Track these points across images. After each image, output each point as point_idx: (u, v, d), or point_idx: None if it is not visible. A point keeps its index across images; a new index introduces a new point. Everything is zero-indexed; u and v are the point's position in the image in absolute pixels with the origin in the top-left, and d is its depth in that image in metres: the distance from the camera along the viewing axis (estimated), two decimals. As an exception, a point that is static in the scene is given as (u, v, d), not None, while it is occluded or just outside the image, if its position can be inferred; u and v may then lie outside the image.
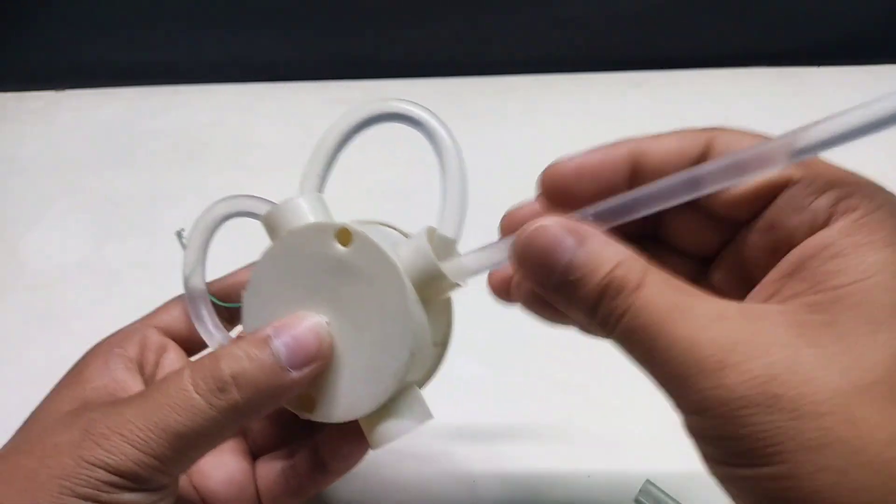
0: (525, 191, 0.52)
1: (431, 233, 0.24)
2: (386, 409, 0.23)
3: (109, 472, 0.20)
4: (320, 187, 0.26)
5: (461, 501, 0.33)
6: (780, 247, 0.20)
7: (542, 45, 0.60)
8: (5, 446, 0.24)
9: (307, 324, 0.23)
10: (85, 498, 0.20)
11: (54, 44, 0.61)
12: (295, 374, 0.22)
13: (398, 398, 0.24)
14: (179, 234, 0.28)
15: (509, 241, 0.21)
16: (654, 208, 0.20)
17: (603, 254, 0.19)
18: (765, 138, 0.20)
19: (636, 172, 0.21)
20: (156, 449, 0.21)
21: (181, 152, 0.54)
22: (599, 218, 0.21)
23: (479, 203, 0.48)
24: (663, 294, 0.18)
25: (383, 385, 0.23)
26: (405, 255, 0.23)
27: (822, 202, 0.19)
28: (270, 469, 0.28)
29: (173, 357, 0.28)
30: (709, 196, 0.20)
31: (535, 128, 0.54)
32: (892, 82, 0.57)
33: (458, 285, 0.24)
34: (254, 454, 0.29)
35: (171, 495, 0.23)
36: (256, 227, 0.26)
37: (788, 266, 0.19)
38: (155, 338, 0.28)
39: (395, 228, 0.27)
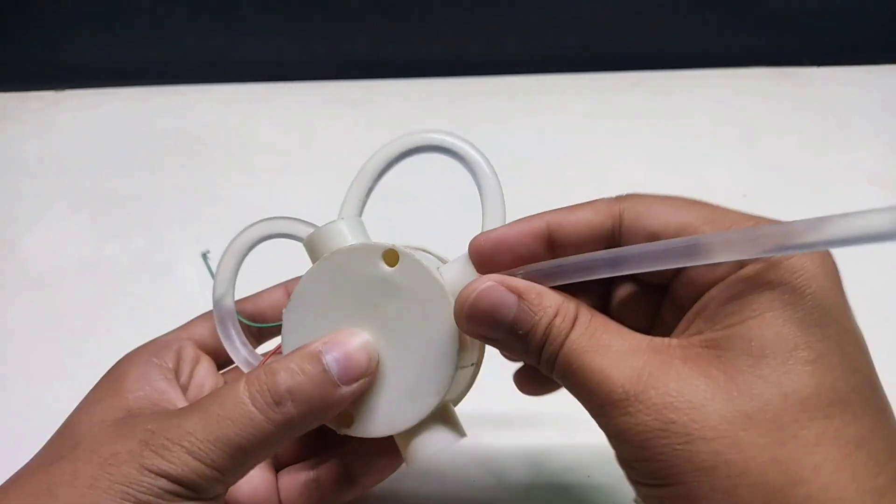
0: (525, 191, 0.52)
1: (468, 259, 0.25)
2: (422, 426, 0.24)
3: (171, 480, 0.21)
4: (360, 212, 0.27)
5: (461, 501, 0.33)
6: (699, 296, 0.22)
7: (542, 45, 0.60)
8: (47, 449, 0.24)
9: (357, 340, 0.24)
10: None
11: (54, 44, 0.61)
12: (345, 390, 0.23)
13: (435, 415, 0.24)
14: (205, 256, 0.29)
15: (531, 267, 0.23)
16: (578, 278, 0.22)
17: (542, 304, 0.22)
18: (677, 200, 0.23)
19: (553, 244, 0.23)
20: (215, 460, 0.22)
21: (181, 152, 0.54)
22: (527, 278, 0.23)
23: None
24: (587, 334, 0.21)
25: (426, 402, 0.24)
26: (448, 277, 0.24)
27: None
28: (294, 481, 0.28)
29: (205, 370, 0.28)
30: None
31: (535, 128, 0.54)
32: (892, 82, 0.57)
33: None
34: (276, 466, 0.29)
35: (222, 502, 0.23)
36: (281, 246, 0.27)
37: (697, 308, 0.21)
38: (190, 350, 0.28)
39: (433, 254, 0.28)
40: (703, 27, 0.59)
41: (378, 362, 0.24)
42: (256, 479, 0.28)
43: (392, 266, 0.24)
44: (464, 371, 0.25)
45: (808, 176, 0.49)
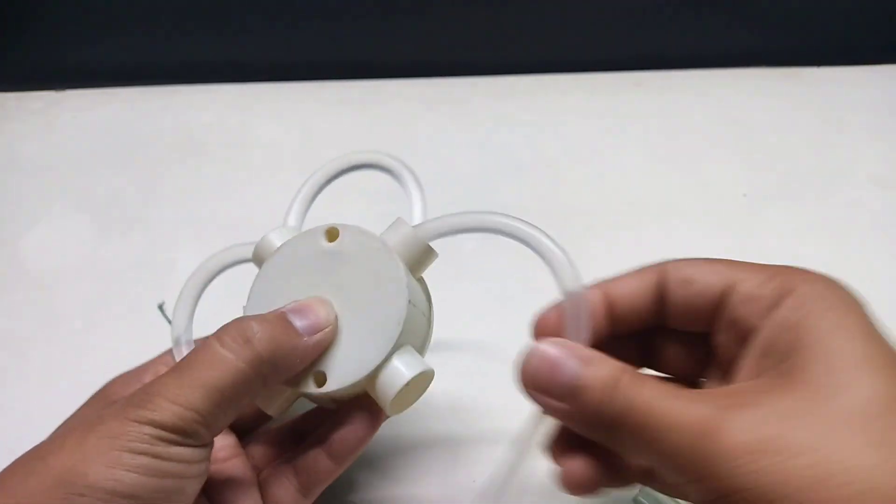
0: (524, 190, 0.52)
1: (402, 221, 0.28)
2: (389, 367, 0.26)
3: (156, 426, 0.22)
4: (301, 224, 0.32)
5: (460, 500, 0.33)
6: (745, 336, 0.23)
7: (542, 45, 0.60)
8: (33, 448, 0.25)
9: (314, 300, 0.26)
10: (138, 452, 0.22)
11: (54, 44, 0.61)
12: (308, 340, 0.25)
13: (399, 353, 0.26)
14: (161, 307, 0.31)
15: (472, 214, 0.26)
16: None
17: (605, 363, 0.22)
18: (711, 261, 0.25)
19: (612, 313, 0.26)
20: (193, 402, 0.23)
21: (181, 152, 0.54)
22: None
23: (480, 203, 0.48)
24: (652, 388, 0.21)
25: (388, 335, 0.26)
26: (387, 236, 0.27)
27: (766, 290, 0.23)
28: (276, 482, 0.28)
29: None
30: (675, 321, 0.25)
31: (536, 128, 0.54)
32: (892, 82, 0.57)
33: (435, 255, 0.28)
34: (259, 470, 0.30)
35: (208, 459, 0.24)
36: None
37: (757, 349, 0.22)
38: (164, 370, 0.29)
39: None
40: (703, 27, 0.59)
41: (336, 317, 0.26)
42: (240, 492, 0.28)
43: (334, 240, 0.27)
44: (415, 311, 0.27)
45: (808, 176, 0.49)
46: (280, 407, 0.28)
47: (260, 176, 0.52)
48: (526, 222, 0.26)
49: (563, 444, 0.25)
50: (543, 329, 0.26)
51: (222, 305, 0.31)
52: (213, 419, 0.23)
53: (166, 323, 0.31)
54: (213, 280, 0.31)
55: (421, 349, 0.28)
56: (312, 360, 0.26)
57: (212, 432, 0.24)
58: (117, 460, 0.21)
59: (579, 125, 0.54)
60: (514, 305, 0.42)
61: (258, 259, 0.29)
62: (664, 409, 0.20)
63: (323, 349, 0.26)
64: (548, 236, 0.26)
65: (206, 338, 0.24)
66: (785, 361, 0.21)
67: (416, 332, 0.28)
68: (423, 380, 0.27)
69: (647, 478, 0.26)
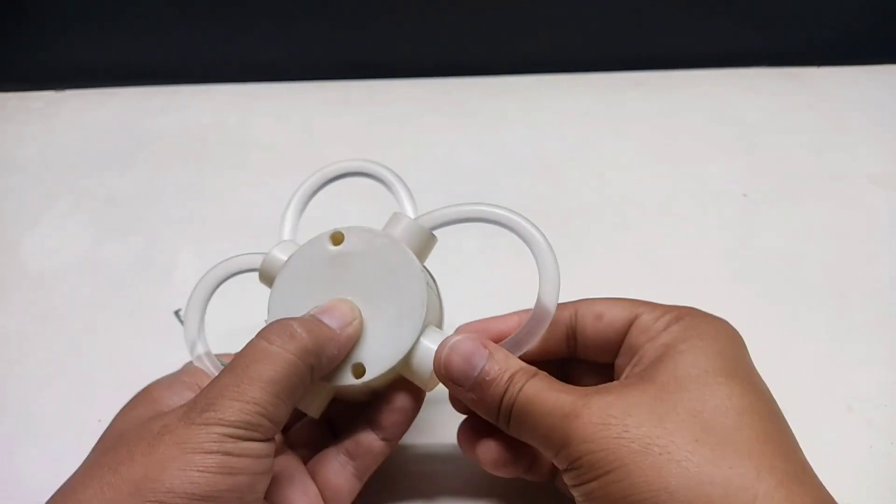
0: (524, 190, 0.52)
1: (401, 215, 0.30)
2: (419, 347, 0.27)
3: (223, 424, 0.23)
4: (294, 234, 0.32)
5: (461, 500, 0.33)
6: (633, 356, 0.27)
7: (542, 45, 0.60)
8: (94, 452, 0.25)
9: (336, 301, 0.28)
10: (209, 452, 0.22)
11: (54, 44, 0.61)
12: (342, 333, 0.27)
13: (425, 335, 0.28)
14: (178, 314, 0.31)
15: (471, 205, 0.29)
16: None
17: (506, 363, 0.27)
18: (619, 300, 0.29)
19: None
20: (255, 396, 0.23)
21: (181, 152, 0.54)
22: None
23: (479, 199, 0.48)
24: (542, 381, 0.26)
25: (415, 317, 0.27)
26: (390, 229, 0.29)
27: (661, 322, 0.27)
28: (330, 468, 0.29)
29: None
30: (585, 352, 0.30)
31: (535, 128, 0.54)
32: (892, 82, 0.57)
33: (436, 240, 0.30)
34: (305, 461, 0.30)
35: (273, 454, 0.25)
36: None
37: (633, 362, 0.27)
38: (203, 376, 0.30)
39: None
40: (703, 27, 0.59)
41: (360, 311, 0.28)
42: (297, 483, 0.29)
43: (340, 243, 0.29)
44: (431, 293, 0.29)
45: (808, 176, 0.49)
46: (320, 407, 0.29)
47: (260, 176, 0.52)
48: (525, 219, 0.28)
49: (473, 432, 0.29)
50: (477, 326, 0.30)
51: (229, 322, 0.32)
52: (274, 411, 0.24)
53: (176, 325, 0.32)
54: (220, 286, 0.31)
55: (440, 326, 0.30)
56: (346, 351, 0.27)
57: (275, 425, 0.24)
58: (190, 463, 0.22)
59: (579, 125, 0.54)
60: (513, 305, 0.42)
61: (266, 277, 0.30)
62: (542, 398, 0.25)
63: (354, 341, 0.27)
64: (545, 239, 0.28)
65: (251, 340, 0.25)
66: (646, 368, 0.26)
67: (434, 312, 0.29)
68: None
69: (552, 475, 0.30)
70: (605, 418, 0.23)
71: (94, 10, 0.58)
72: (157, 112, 0.58)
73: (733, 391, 0.24)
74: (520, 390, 0.26)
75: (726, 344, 0.26)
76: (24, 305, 0.44)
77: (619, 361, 0.28)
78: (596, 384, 0.28)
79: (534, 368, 0.27)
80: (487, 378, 0.26)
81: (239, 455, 0.23)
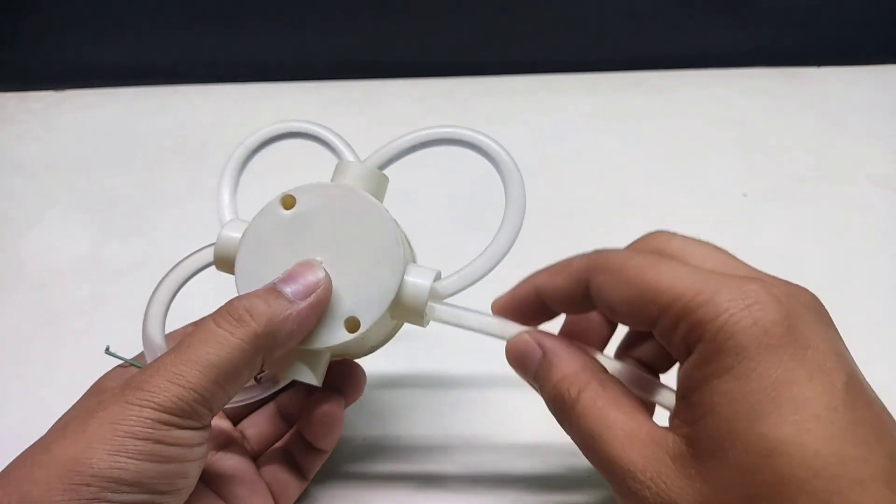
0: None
1: (346, 162, 0.29)
2: (410, 286, 0.26)
3: (156, 409, 0.22)
4: (235, 212, 0.31)
5: (461, 500, 0.33)
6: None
7: (542, 45, 0.60)
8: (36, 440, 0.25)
9: (298, 266, 0.26)
10: (140, 438, 0.22)
11: (54, 44, 0.61)
12: (302, 304, 0.25)
13: (408, 273, 0.27)
14: (109, 351, 0.30)
15: (415, 132, 0.29)
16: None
17: (555, 366, 0.25)
18: (628, 282, 0.24)
19: (545, 304, 0.27)
20: (192, 381, 0.23)
21: (181, 152, 0.54)
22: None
23: (481, 202, 0.48)
24: (591, 411, 0.23)
25: (394, 257, 0.26)
26: (340, 178, 0.28)
27: (678, 337, 0.22)
28: (272, 463, 0.30)
29: None
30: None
31: (535, 128, 0.54)
32: (892, 82, 0.57)
33: (387, 180, 0.29)
34: (256, 456, 0.31)
35: (208, 441, 0.24)
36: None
37: (679, 391, 0.22)
38: None
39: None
40: (703, 27, 0.59)
41: (326, 274, 0.26)
42: (239, 468, 0.29)
43: (293, 206, 0.27)
44: (399, 231, 0.28)
45: (808, 176, 0.49)
46: (321, 373, 0.28)
47: (260, 176, 0.52)
48: (474, 130, 0.28)
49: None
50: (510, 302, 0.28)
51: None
52: (212, 397, 0.23)
53: (206, 280, 0.30)
54: (181, 290, 0.30)
55: (414, 261, 0.30)
56: (313, 322, 0.26)
57: (211, 411, 0.24)
58: (120, 446, 0.21)
59: (579, 125, 0.54)
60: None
61: (223, 261, 0.29)
62: (594, 446, 0.22)
63: (321, 309, 0.26)
64: (499, 146, 0.28)
65: (203, 319, 0.25)
66: (689, 425, 0.21)
67: (407, 248, 0.28)
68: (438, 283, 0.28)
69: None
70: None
71: (94, 10, 0.58)
72: (157, 112, 0.58)
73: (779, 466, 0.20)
74: (571, 410, 0.24)
75: (763, 368, 0.21)
76: (24, 305, 0.44)
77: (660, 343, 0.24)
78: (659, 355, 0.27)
79: (588, 381, 0.24)
80: (537, 381, 0.25)
81: (171, 444, 0.22)
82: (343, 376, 0.30)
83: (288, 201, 0.27)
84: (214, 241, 0.29)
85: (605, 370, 0.25)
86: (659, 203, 0.48)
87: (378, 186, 0.29)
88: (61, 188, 0.52)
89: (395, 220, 0.27)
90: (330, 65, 0.60)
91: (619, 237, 0.46)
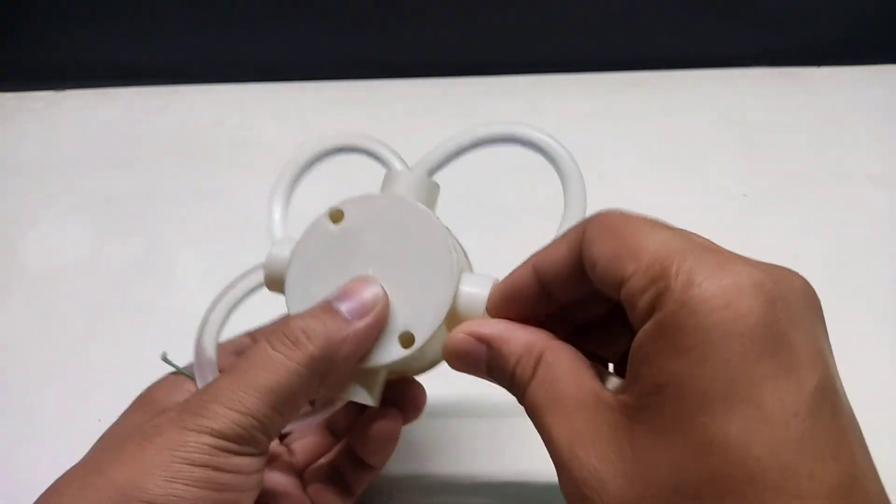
0: (525, 190, 0.52)
1: (394, 171, 0.28)
2: (465, 296, 0.25)
3: (215, 436, 0.22)
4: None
5: (460, 501, 0.33)
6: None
7: (542, 45, 0.60)
8: (89, 454, 0.24)
9: (355, 282, 0.25)
10: (197, 465, 0.21)
11: (54, 44, 0.61)
12: (359, 323, 0.24)
13: (462, 283, 0.25)
14: (166, 358, 0.29)
15: (465, 133, 0.27)
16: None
17: (508, 351, 0.23)
18: (614, 234, 0.21)
19: (543, 285, 0.24)
20: (251, 407, 0.22)
21: (181, 152, 0.54)
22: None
23: (481, 202, 0.48)
24: (544, 386, 0.21)
25: (446, 267, 0.25)
26: (389, 188, 0.28)
27: (645, 300, 0.19)
28: (318, 480, 0.29)
29: None
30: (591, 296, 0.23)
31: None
32: (892, 82, 0.57)
33: (438, 187, 0.28)
34: (301, 471, 0.30)
35: (263, 469, 0.24)
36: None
37: (631, 356, 0.20)
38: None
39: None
40: (703, 27, 0.59)
41: (383, 291, 0.25)
42: (284, 485, 0.29)
43: (341, 220, 0.26)
44: (452, 238, 0.27)
45: (808, 176, 0.49)
46: (378, 393, 0.27)
47: (260, 176, 0.52)
48: (531, 126, 0.27)
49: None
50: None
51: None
52: (270, 423, 0.23)
53: (176, 324, 0.30)
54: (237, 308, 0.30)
55: (470, 269, 0.28)
56: (372, 341, 0.25)
57: (269, 437, 0.23)
58: (177, 473, 0.21)
59: (579, 125, 0.54)
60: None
61: (274, 281, 0.28)
62: (544, 423, 0.21)
63: (380, 327, 0.25)
64: (553, 138, 0.27)
65: (259, 341, 0.24)
66: (633, 395, 0.19)
67: (461, 256, 0.27)
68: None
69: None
70: (582, 496, 0.19)
71: (94, 10, 0.58)
72: (157, 112, 0.58)
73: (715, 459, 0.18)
74: (523, 394, 0.22)
75: (725, 347, 0.19)
76: (24, 305, 0.44)
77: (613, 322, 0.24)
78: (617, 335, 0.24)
79: (540, 351, 0.22)
80: (495, 375, 0.23)
81: (228, 471, 0.22)
82: (402, 393, 0.29)
83: (336, 215, 0.27)
84: (263, 260, 0.28)
85: (552, 336, 0.23)
86: (659, 203, 0.48)
87: (429, 194, 0.28)
88: (61, 188, 0.52)
89: (447, 228, 0.26)
90: (330, 65, 0.60)
91: (619, 237, 0.46)
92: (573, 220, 0.27)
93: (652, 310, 0.19)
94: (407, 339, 0.25)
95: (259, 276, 0.29)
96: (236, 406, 0.22)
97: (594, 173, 0.50)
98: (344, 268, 0.26)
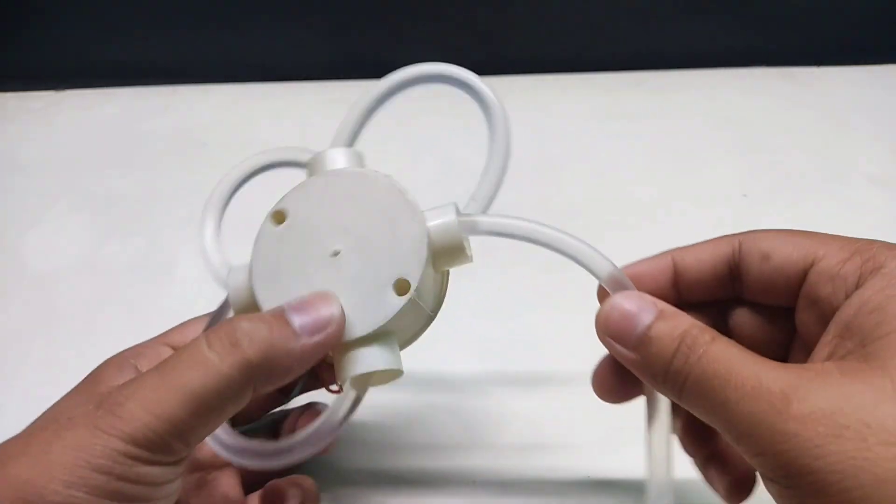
0: (524, 190, 0.52)
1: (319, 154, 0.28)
2: (434, 230, 0.25)
3: (125, 441, 0.20)
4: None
5: (460, 502, 0.33)
6: (826, 315, 0.21)
7: (542, 45, 0.60)
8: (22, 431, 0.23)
9: (315, 295, 0.24)
10: (100, 471, 0.20)
11: (54, 44, 0.61)
12: (306, 340, 0.22)
13: (429, 219, 0.25)
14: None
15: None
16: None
17: (678, 317, 0.22)
18: (788, 230, 0.24)
19: (678, 279, 0.25)
20: (169, 410, 0.20)
21: (181, 152, 0.54)
22: None
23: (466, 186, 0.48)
24: (732, 347, 0.20)
25: (406, 207, 0.25)
26: (322, 162, 0.28)
27: (850, 267, 0.21)
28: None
29: None
30: (753, 295, 0.24)
31: (535, 128, 0.54)
32: (892, 82, 0.57)
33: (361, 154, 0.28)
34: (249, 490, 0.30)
35: (181, 478, 0.23)
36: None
37: (837, 329, 0.20)
38: (167, 354, 0.27)
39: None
40: (703, 27, 0.59)
41: (343, 316, 0.24)
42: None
43: (284, 218, 0.26)
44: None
45: (808, 176, 0.49)
46: (398, 356, 0.26)
47: (260, 176, 0.52)
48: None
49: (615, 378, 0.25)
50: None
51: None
52: (189, 431, 0.21)
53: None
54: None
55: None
56: (315, 360, 0.23)
57: (188, 446, 0.21)
58: (79, 479, 0.20)
59: (579, 125, 0.54)
60: (515, 304, 0.42)
61: (243, 307, 0.26)
62: (736, 373, 0.19)
63: (327, 349, 0.23)
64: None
65: (198, 335, 0.23)
66: (868, 345, 0.19)
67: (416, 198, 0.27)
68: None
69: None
70: (835, 428, 0.17)
71: (94, 10, 0.58)
72: (158, 112, 0.58)
73: None
74: (701, 355, 0.20)
75: None
76: (24, 305, 0.44)
77: (803, 317, 0.23)
78: (765, 332, 0.24)
79: (713, 330, 0.21)
80: (652, 334, 0.21)
81: (135, 481, 0.20)
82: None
83: (279, 216, 0.26)
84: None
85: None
86: (659, 203, 0.48)
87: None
88: (61, 188, 0.52)
89: (388, 176, 0.26)
90: (330, 65, 0.60)
91: (619, 237, 0.46)
92: (499, 153, 0.29)
93: (863, 273, 0.21)
94: (402, 285, 0.24)
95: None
96: (154, 409, 0.20)
97: (594, 173, 0.51)
98: (307, 262, 0.25)
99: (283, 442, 0.24)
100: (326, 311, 0.23)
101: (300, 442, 0.24)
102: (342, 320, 0.23)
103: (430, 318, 0.27)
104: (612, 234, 0.47)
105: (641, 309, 0.22)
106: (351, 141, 0.29)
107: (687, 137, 0.53)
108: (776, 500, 0.19)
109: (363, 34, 0.59)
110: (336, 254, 0.25)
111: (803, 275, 0.22)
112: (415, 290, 0.24)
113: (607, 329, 0.22)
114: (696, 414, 0.21)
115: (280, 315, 0.23)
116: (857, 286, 0.21)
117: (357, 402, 0.25)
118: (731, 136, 0.53)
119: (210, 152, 0.54)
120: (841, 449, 0.17)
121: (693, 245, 0.25)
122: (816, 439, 0.17)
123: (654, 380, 0.22)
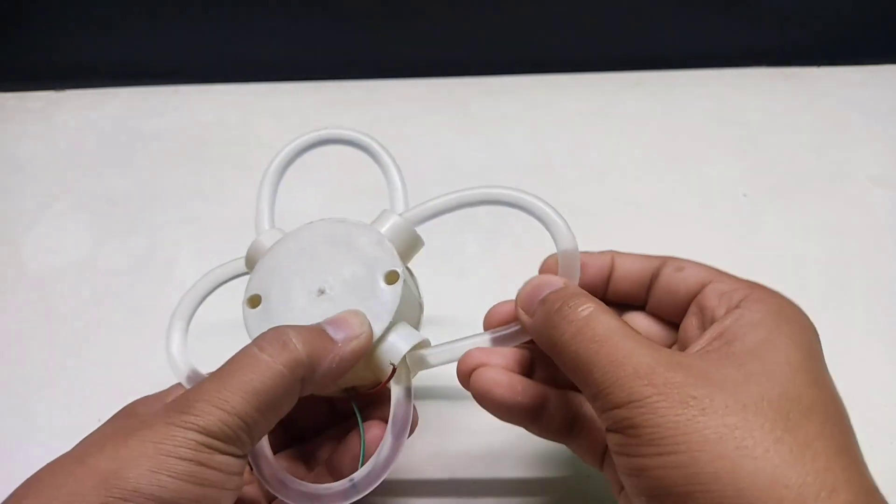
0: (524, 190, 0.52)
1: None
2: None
3: (201, 432, 0.22)
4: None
5: (460, 502, 0.33)
6: (706, 322, 0.26)
7: (542, 45, 0.60)
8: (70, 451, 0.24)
9: (346, 313, 0.27)
10: (183, 458, 0.21)
11: (54, 44, 0.61)
12: (345, 346, 0.26)
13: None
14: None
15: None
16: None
17: (578, 290, 0.26)
18: (705, 265, 0.28)
19: (612, 274, 0.30)
20: (237, 407, 0.23)
21: (181, 152, 0.54)
22: None
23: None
24: (615, 320, 0.24)
25: (380, 237, 0.29)
26: (258, 250, 0.30)
27: (737, 293, 0.26)
28: None
29: None
30: (656, 303, 0.29)
31: (535, 128, 0.54)
32: (892, 82, 0.57)
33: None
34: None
35: (243, 472, 0.24)
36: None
37: (712, 333, 0.25)
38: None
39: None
40: (703, 27, 0.59)
41: (370, 327, 0.27)
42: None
43: (259, 302, 0.28)
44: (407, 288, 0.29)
45: (808, 176, 0.49)
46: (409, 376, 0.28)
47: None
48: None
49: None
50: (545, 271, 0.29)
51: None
52: (254, 424, 0.23)
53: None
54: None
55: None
56: (349, 366, 0.26)
57: (252, 439, 0.24)
58: (162, 465, 0.21)
59: (579, 125, 0.54)
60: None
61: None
62: (614, 343, 0.23)
63: (360, 355, 0.26)
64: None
65: (247, 345, 0.25)
66: (732, 345, 0.24)
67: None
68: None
69: (561, 433, 0.28)
70: (684, 397, 0.21)
71: (94, 10, 0.58)
72: (157, 112, 0.58)
73: (821, 396, 0.22)
74: (586, 316, 0.24)
75: (813, 340, 0.24)
76: (24, 305, 0.44)
77: (687, 322, 0.27)
78: (653, 336, 0.29)
79: (603, 304, 0.25)
80: (553, 297, 0.25)
81: (213, 468, 0.22)
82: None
83: (254, 301, 0.29)
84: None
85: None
86: (659, 203, 0.48)
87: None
88: (61, 188, 0.52)
89: (322, 219, 0.29)
90: (330, 65, 0.60)
91: (619, 237, 0.46)
92: (396, 186, 0.31)
93: (742, 297, 0.25)
94: (391, 276, 0.27)
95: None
96: (223, 405, 0.22)
97: (594, 173, 0.51)
98: (303, 310, 0.28)
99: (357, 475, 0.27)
100: (356, 321, 0.27)
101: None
102: (370, 328, 0.27)
103: (422, 306, 0.30)
104: (612, 235, 0.47)
105: (549, 281, 0.27)
106: (271, 221, 0.32)
107: (687, 137, 0.53)
108: (614, 450, 0.23)
109: (363, 34, 0.59)
110: (321, 291, 0.28)
111: (701, 288, 0.27)
112: (403, 273, 0.27)
113: (519, 300, 0.27)
114: (571, 375, 0.24)
115: (319, 328, 0.26)
116: (738, 306, 0.25)
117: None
118: (731, 136, 0.53)
119: (210, 152, 0.54)
120: (683, 411, 0.21)
121: (632, 253, 0.30)
122: (666, 402, 0.21)
123: (549, 340, 0.25)
